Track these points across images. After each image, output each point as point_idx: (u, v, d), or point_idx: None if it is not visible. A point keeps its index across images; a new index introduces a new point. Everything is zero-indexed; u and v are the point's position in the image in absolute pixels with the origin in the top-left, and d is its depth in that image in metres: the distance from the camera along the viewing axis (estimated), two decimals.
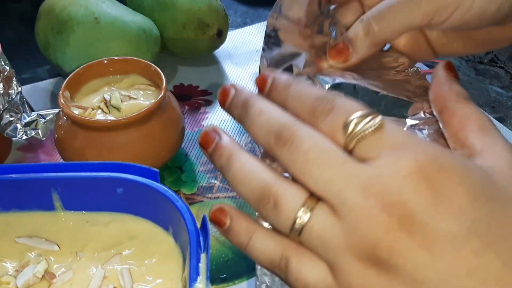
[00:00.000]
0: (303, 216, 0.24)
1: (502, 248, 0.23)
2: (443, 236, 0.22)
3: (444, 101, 0.29)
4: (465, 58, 0.63)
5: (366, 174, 0.23)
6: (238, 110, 0.27)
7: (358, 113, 0.24)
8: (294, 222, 0.24)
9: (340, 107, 0.25)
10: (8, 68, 0.43)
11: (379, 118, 0.24)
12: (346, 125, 0.24)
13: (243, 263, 0.40)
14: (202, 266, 0.30)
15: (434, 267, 0.22)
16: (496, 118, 0.54)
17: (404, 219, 0.22)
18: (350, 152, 0.24)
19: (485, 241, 0.22)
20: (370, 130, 0.24)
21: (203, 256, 0.30)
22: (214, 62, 0.61)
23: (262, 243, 0.26)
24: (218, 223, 0.27)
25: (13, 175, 0.34)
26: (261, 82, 0.28)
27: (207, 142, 0.27)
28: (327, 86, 0.34)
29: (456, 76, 0.30)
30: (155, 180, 0.35)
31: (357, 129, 0.24)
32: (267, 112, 0.26)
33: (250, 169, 0.25)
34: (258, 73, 0.39)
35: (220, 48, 0.60)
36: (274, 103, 0.27)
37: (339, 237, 0.23)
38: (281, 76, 0.28)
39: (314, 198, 0.24)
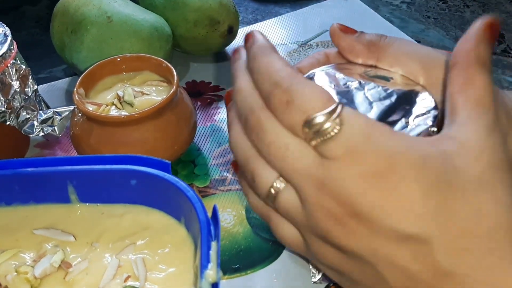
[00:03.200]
0: (273, 191, 0.28)
1: (447, 237, 0.24)
2: (388, 232, 0.24)
3: (460, 58, 0.27)
4: None
5: (324, 174, 0.25)
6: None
7: (317, 115, 0.25)
8: (267, 196, 0.28)
9: (299, 102, 0.25)
10: (24, 67, 0.44)
11: (338, 119, 0.24)
12: (305, 124, 0.25)
13: (255, 254, 0.41)
14: (213, 253, 0.30)
15: (377, 258, 0.25)
16: None
17: (353, 215, 0.25)
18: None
19: (430, 234, 0.24)
20: (329, 135, 0.24)
21: (213, 244, 0.31)
22: (226, 58, 0.62)
23: (253, 199, 0.31)
24: (235, 171, 0.33)
25: (29, 169, 0.35)
26: (246, 39, 0.31)
27: (227, 103, 0.32)
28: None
29: (492, 38, 0.27)
30: (167, 171, 0.35)
31: (317, 131, 0.25)
32: (242, 92, 0.29)
33: (236, 141, 0.30)
34: None
35: (231, 44, 0.61)
36: (251, 79, 0.29)
37: (301, 217, 0.27)
38: (255, 43, 0.30)
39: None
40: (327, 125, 0.24)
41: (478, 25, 0.28)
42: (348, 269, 0.27)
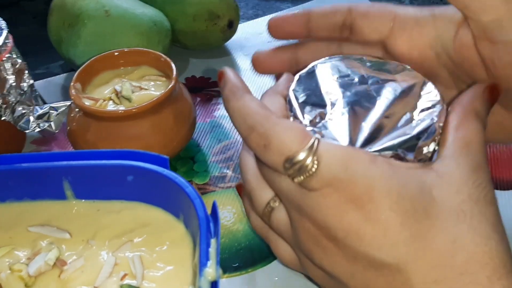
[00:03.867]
0: (268, 209, 0.30)
1: (422, 267, 0.24)
2: (364, 259, 0.25)
3: (459, 105, 0.29)
4: None
5: (303, 200, 0.27)
6: None
7: (296, 155, 0.26)
8: (263, 213, 0.30)
9: (275, 145, 0.26)
10: (20, 61, 0.44)
11: (316, 156, 0.25)
12: (286, 164, 0.26)
13: (255, 252, 0.40)
14: (212, 251, 0.29)
15: (354, 282, 0.26)
16: None
17: (331, 239, 0.26)
18: None
19: (405, 263, 0.24)
20: (307, 174, 0.26)
21: (213, 241, 0.30)
22: (226, 54, 0.61)
23: (254, 219, 0.32)
24: (239, 194, 0.34)
25: (23, 164, 0.34)
26: (219, 78, 0.32)
27: None
28: None
29: (492, 100, 0.29)
30: (165, 167, 0.34)
31: (298, 168, 0.26)
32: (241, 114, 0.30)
33: (241, 158, 0.32)
34: None
35: (232, 39, 0.60)
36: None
37: (290, 235, 0.29)
38: (226, 84, 0.30)
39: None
40: (308, 161, 0.26)
41: (481, 86, 0.29)
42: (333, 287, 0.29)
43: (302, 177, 0.26)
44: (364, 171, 0.25)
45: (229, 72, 0.30)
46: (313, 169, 0.25)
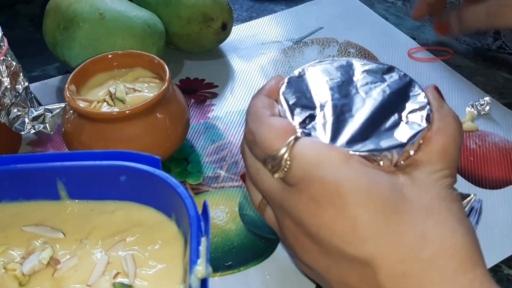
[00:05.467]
0: (261, 207, 0.32)
1: (391, 261, 0.25)
2: (336, 253, 0.26)
3: (436, 108, 0.32)
4: (472, 45, 0.62)
5: (282, 197, 0.29)
6: None
7: (274, 152, 0.28)
8: (258, 210, 0.33)
9: (259, 143, 0.29)
10: (14, 63, 0.44)
11: (291, 153, 0.28)
12: (267, 160, 0.29)
13: (248, 251, 0.40)
14: (202, 249, 0.30)
15: (330, 275, 0.28)
16: (504, 104, 0.53)
17: (307, 235, 0.27)
18: None
19: (374, 257, 0.25)
20: (282, 170, 0.28)
21: (203, 239, 0.31)
22: (220, 56, 0.61)
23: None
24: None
25: (18, 165, 0.35)
26: None
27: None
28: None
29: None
30: (157, 167, 0.35)
31: (277, 164, 0.28)
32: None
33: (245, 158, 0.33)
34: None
35: (226, 42, 0.61)
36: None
37: (278, 230, 0.31)
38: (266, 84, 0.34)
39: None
40: (285, 157, 0.28)
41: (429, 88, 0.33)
42: (316, 279, 0.30)
43: (280, 173, 0.28)
44: (334, 170, 0.26)
45: (273, 77, 0.34)
46: (287, 166, 0.27)
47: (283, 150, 0.28)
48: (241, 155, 0.35)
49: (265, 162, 0.29)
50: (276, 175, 0.29)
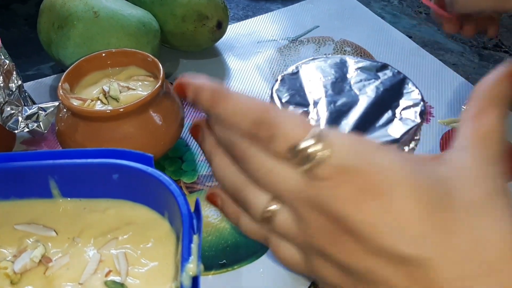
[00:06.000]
0: (269, 214, 0.27)
1: (447, 262, 0.23)
2: (382, 252, 0.23)
3: (478, 92, 0.28)
4: (469, 44, 0.62)
5: (314, 193, 0.24)
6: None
7: (302, 142, 0.24)
8: (263, 219, 0.27)
9: (281, 135, 0.24)
10: (8, 61, 0.44)
11: (326, 142, 0.23)
12: (290, 152, 0.24)
13: (241, 249, 0.40)
14: (194, 247, 0.30)
15: (375, 277, 0.24)
16: None
17: (347, 232, 0.24)
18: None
19: (428, 257, 0.23)
20: (319, 158, 0.23)
21: (195, 237, 0.30)
22: (216, 54, 0.61)
23: (247, 225, 0.28)
24: (213, 203, 0.30)
25: (10, 163, 0.35)
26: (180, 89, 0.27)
27: (196, 135, 0.29)
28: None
29: None
30: (150, 165, 0.35)
31: (305, 156, 0.24)
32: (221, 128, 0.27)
33: (221, 171, 0.28)
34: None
35: (221, 40, 0.61)
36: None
37: (299, 235, 0.26)
38: (203, 89, 0.26)
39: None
40: (316, 148, 0.24)
41: (502, 69, 0.28)
42: (349, 286, 0.26)
43: (312, 163, 0.24)
44: (377, 159, 0.24)
45: (195, 78, 0.27)
46: (324, 156, 0.23)
47: (315, 139, 0.24)
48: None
49: (289, 155, 0.24)
50: (304, 167, 0.24)
